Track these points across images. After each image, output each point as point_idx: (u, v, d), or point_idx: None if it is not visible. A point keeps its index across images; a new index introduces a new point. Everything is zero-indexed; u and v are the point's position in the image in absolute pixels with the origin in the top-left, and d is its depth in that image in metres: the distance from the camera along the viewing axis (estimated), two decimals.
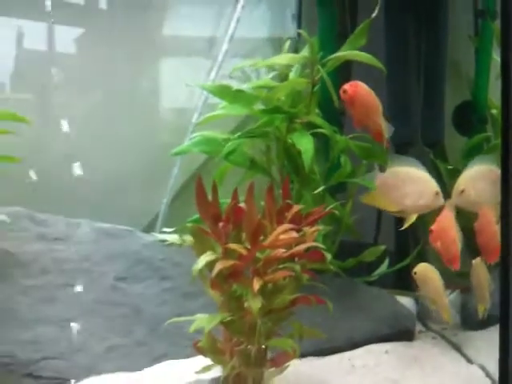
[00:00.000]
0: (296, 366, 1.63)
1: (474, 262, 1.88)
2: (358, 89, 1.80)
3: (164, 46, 2.41)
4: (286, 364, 1.53)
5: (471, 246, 1.90)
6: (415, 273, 1.83)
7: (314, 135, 1.95)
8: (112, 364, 1.67)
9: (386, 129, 1.84)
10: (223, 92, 1.95)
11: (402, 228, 1.92)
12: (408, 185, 1.91)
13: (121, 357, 1.69)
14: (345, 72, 2.15)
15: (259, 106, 1.97)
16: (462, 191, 1.93)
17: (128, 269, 1.87)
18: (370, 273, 2.09)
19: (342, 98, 1.81)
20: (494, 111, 2.38)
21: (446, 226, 1.80)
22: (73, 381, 1.59)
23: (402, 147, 2.28)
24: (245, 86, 2.00)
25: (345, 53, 1.96)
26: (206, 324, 1.38)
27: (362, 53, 1.94)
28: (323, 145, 2.06)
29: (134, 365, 1.67)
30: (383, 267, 2.08)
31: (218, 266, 1.33)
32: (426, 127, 2.34)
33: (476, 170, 1.97)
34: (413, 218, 1.89)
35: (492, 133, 2.34)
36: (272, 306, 1.44)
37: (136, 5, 2.30)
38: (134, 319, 1.78)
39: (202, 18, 2.43)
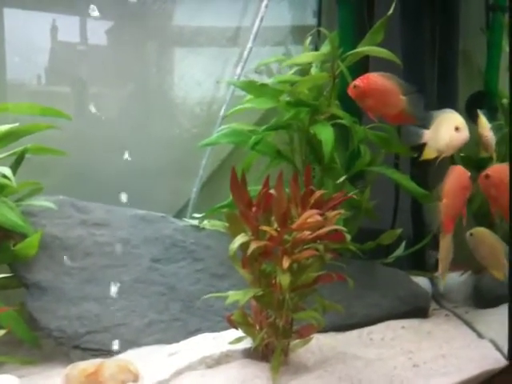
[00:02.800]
0: (319, 339, 1.78)
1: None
2: (369, 81, 1.87)
3: (192, 39, 2.49)
4: (311, 336, 1.68)
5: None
6: (471, 234, 1.88)
7: (335, 126, 2.06)
8: (151, 337, 1.84)
9: (413, 102, 1.87)
10: (250, 87, 2.09)
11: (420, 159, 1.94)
12: (439, 128, 1.87)
13: (159, 331, 1.86)
14: (362, 65, 2.25)
15: (284, 100, 2.10)
16: None
17: (163, 251, 2.01)
18: (388, 255, 2.21)
19: (352, 93, 1.87)
20: (504, 100, 2.47)
21: (503, 176, 1.75)
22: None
23: None
24: (270, 81, 2.14)
25: (364, 48, 2.07)
26: (241, 298, 1.53)
27: (380, 48, 2.04)
28: (343, 135, 2.17)
29: (172, 338, 1.83)
30: (400, 250, 2.20)
31: (253, 246, 1.48)
32: None
33: None
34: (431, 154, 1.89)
35: (503, 121, 2.44)
36: (298, 282, 1.59)
37: None
38: (169, 297, 1.93)
39: (228, 9, 2.53)
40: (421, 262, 2.34)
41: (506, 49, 2.43)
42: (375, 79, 1.89)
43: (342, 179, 2.01)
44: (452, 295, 2.20)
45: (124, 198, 2.10)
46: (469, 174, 1.81)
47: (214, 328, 1.85)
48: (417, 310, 2.03)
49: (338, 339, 1.87)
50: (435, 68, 2.47)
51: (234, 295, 1.57)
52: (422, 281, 2.14)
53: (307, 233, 1.53)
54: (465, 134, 1.86)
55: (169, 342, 1.82)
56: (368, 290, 2.02)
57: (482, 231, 1.90)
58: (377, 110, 1.92)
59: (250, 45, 2.38)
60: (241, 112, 2.19)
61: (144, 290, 1.92)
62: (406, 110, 1.88)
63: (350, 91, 1.89)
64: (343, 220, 2.01)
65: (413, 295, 2.05)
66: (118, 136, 2.33)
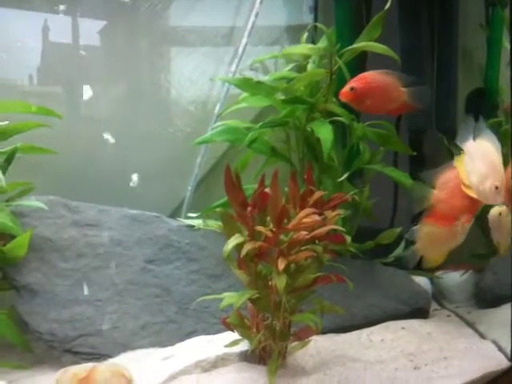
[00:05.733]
0: (317, 341, 1.74)
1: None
2: (366, 80, 1.82)
3: (186, 38, 2.46)
4: (309, 338, 1.64)
5: (487, 230, 1.96)
6: (500, 213, 1.80)
7: (332, 123, 2.02)
8: (146, 340, 1.79)
9: (415, 93, 1.82)
10: (245, 84, 2.05)
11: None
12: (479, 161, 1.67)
13: (153, 334, 1.81)
14: (360, 62, 2.22)
15: (280, 97, 2.06)
16: None
17: (157, 252, 1.96)
18: (388, 255, 2.17)
19: (349, 96, 1.81)
20: (505, 97, 2.45)
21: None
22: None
23: (416, 133, 2.37)
24: (265, 78, 2.10)
25: (361, 44, 2.03)
26: (236, 300, 1.48)
27: (378, 44, 2.00)
28: (341, 132, 2.13)
29: (166, 341, 1.79)
30: (399, 249, 2.16)
31: (247, 247, 1.44)
32: (439, 113, 2.39)
33: None
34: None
35: (503, 118, 2.41)
36: (295, 284, 1.54)
37: None
38: (163, 299, 1.88)
39: (223, 8, 2.49)
40: (421, 261, 2.30)
41: (507, 45, 2.40)
42: (372, 77, 1.85)
43: (343, 177, 1.96)
44: (453, 295, 2.17)
45: (118, 197, 2.06)
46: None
47: (210, 330, 1.81)
48: (417, 310, 1.99)
49: (337, 341, 1.82)
50: (434, 65, 2.44)
51: (228, 298, 1.53)
52: (422, 281, 2.09)
53: (304, 233, 1.48)
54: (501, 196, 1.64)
55: (163, 345, 1.78)
56: (368, 290, 1.99)
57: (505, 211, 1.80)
58: (378, 109, 1.89)
59: (244, 41, 2.33)
60: (238, 110, 2.15)
61: (137, 292, 1.88)
62: (408, 102, 1.84)
63: (346, 95, 1.84)
64: (342, 219, 1.98)
65: (413, 295, 2.01)
66: (111, 135, 2.29)
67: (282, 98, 2.03)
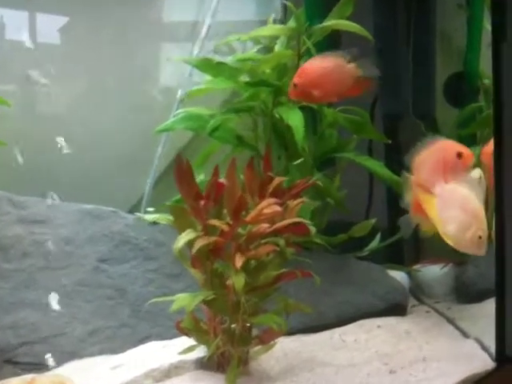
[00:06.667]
0: (284, 343, 1.59)
1: None
2: (306, 71, 1.72)
3: (148, 31, 2.33)
4: (274, 341, 1.49)
5: None
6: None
7: (302, 109, 1.89)
8: (95, 347, 1.64)
9: (364, 64, 1.72)
10: (205, 65, 1.90)
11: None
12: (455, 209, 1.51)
13: (104, 340, 1.65)
14: (333, 42, 2.09)
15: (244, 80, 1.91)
16: None
17: (111, 250, 1.82)
18: (362, 249, 2.04)
19: (296, 94, 1.72)
20: (486, 81, 2.34)
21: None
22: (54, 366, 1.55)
23: (392, 119, 2.25)
24: (229, 59, 1.94)
25: (331, 22, 1.90)
26: (189, 303, 1.33)
27: (349, 22, 1.89)
28: (311, 118, 2.00)
29: (118, 347, 1.63)
30: (375, 242, 2.03)
31: (198, 243, 1.28)
32: (416, 99, 2.29)
33: None
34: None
35: (484, 103, 2.29)
36: (256, 282, 1.39)
37: None
38: (117, 301, 1.73)
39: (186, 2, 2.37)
40: (398, 254, 2.17)
41: (487, 25, 2.28)
42: (311, 66, 1.74)
43: (299, 161, 1.82)
44: (433, 290, 2.03)
45: (73, 193, 1.91)
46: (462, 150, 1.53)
47: (166, 335, 1.64)
48: (394, 307, 1.85)
49: (306, 342, 1.68)
50: (410, 47, 2.32)
51: (181, 299, 1.37)
52: (399, 275, 1.96)
53: (264, 225, 1.33)
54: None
55: (115, 351, 1.62)
56: (340, 286, 1.85)
57: None
58: (334, 95, 1.77)
59: (208, 21, 2.18)
60: (200, 95, 2.00)
61: (88, 294, 1.72)
62: (361, 76, 1.72)
63: (292, 93, 1.74)
64: (312, 211, 1.85)
65: (389, 291, 1.87)
66: (66, 127, 2.15)
67: (247, 80, 1.89)
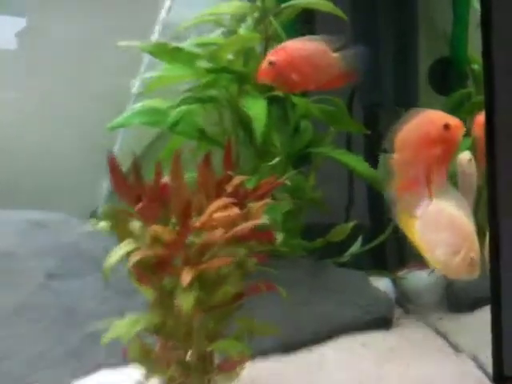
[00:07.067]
0: (253, 367, 1.39)
1: None
2: (287, 50, 1.56)
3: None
4: (239, 368, 1.29)
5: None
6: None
7: (272, 99, 1.72)
8: (37, 375, 1.42)
9: (349, 56, 1.58)
10: (160, 51, 1.69)
11: None
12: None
13: (48, 368, 1.44)
14: (305, 24, 1.93)
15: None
16: None
17: (62, 264, 1.64)
18: (342, 254, 1.85)
19: (269, 73, 1.55)
20: (475, 66, 2.17)
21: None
22: None
23: (373, 109, 2.07)
24: (186, 43, 1.74)
25: (301, 0, 1.71)
26: (125, 332, 1.12)
27: (321, 0, 1.70)
28: (282, 109, 1.81)
29: (64, 376, 1.42)
30: (355, 246, 1.84)
31: (135, 257, 1.08)
32: (398, 87, 2.14)
33: None
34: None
35: (473, 89, 2.13)
36: (213, 300, 1.19)
37: None
38: (66, 323, 1.53)
39: None
40: (381, 258, 1.99)
41: (476, 5, 2.10)
42: (294, 46, 1.58)
43: (275, 161, 1.62)
44: (420, 299, 1.84)
45: (21, 199, 1.73)
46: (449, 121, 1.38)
47: (121, 361, 1.43)
48: (378, 320, 1.66)
49: (278, 365, 1.48)
50: (391, 31, 2.16)
51: (117, 327, 1.16)
52: (383, 283, 1.77)
53: (219, 232, 1.13)
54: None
55: (60, 381, 1.41)
56: (318, 297, 1.66)
57: None
58: (310, 84, 1.62)
59: (168, 4, 1.98)
60: (159, 85, 1.80)
61: (32, 316, 1.52)
62: (344, 69, 1.58)
63: (266, 72, 1.56)
64: (285, 213, 1.66)
65: (372, 302, 1.68)
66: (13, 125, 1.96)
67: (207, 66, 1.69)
